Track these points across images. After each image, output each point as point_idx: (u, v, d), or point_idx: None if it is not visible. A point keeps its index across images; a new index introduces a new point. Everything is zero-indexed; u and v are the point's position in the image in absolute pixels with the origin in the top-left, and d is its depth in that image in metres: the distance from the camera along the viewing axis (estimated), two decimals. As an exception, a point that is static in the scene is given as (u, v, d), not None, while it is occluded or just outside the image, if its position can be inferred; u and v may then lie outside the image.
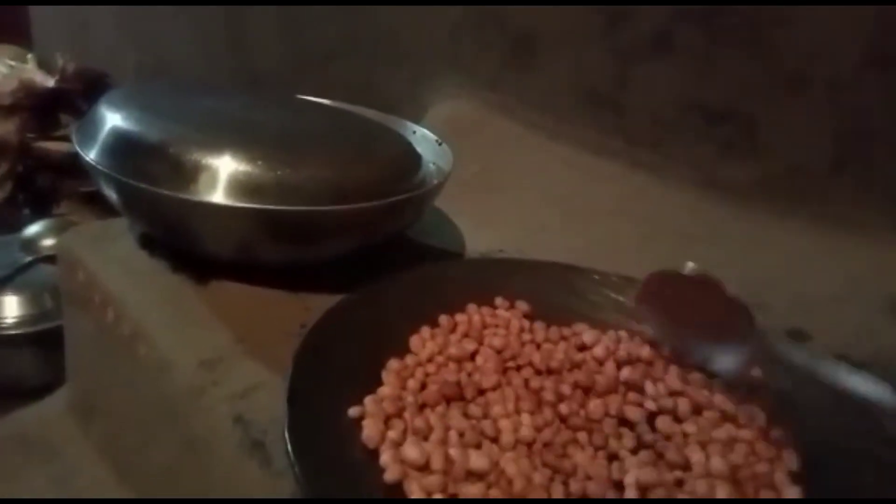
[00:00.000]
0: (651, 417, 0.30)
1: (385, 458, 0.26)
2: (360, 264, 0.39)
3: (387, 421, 0.28)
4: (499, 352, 0.33)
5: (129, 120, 0.39)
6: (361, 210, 0.37)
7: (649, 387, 0.31)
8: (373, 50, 0.68)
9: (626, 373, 0.32)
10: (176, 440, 0.34)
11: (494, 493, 0.25)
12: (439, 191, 0.43)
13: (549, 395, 0.30)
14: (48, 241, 0.64)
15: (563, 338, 0.34)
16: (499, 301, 0.36)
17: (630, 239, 0.47)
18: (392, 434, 0.27)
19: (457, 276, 0.39)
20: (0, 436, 0.46)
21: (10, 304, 0.59)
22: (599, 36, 0.52)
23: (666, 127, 0.50)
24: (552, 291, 0.37)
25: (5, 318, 0.58)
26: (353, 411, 0.28)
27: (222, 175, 0.36)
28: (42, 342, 0.57)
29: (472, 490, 0.25)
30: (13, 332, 0.58)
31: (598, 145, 0.53)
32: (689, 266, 0.33)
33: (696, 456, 0.28)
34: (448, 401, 0.30)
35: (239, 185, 0.36)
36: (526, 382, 0.31)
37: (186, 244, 0.40)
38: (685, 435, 0.29)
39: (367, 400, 0.28)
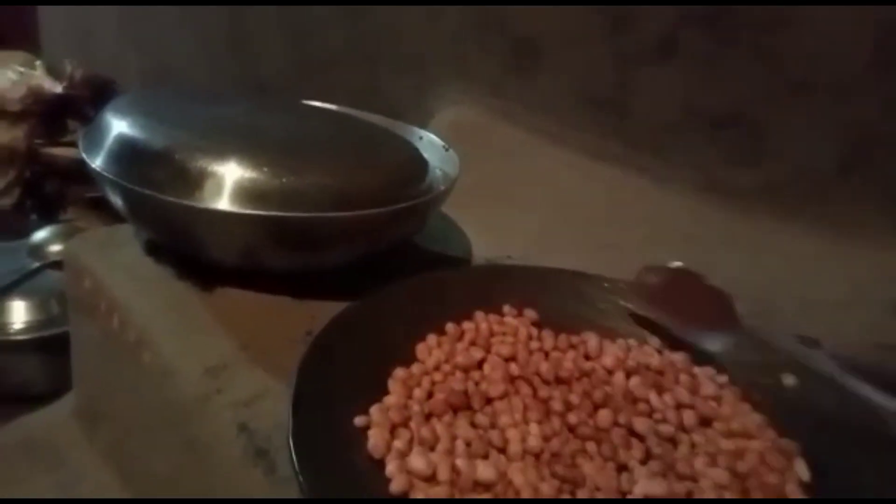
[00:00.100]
0: (660, 428, 0.30)
1: (391, 468, 0.26)
2: (365, 271, 0.39)
3: (393, 430, 0.28)
4: (507, 360, 0.32)
5: (135, 127, 0.39)
6: (367, 217, 0.37)
7: (656, 399, 0.31)
8: (377, 55, 0.68)
9: (634, 382, 0.32)
10: (180, 447, 0.34)
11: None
12: (446, 197, 0.42)
13: (557, 405, 0.30)
14: (55, 247, 0.64)
15: (572, 346, 0.34)
16: (506, 309, 0.36)
17: (634, 244, 0.46)
18: (398, 444, 0.27)
19: (464, 283, 0.38)
20: (6, 442, 0.46)
21: (18, 309, 0.59)
22: (603, 40, 0.52)
23: (670, 131, 0.50)
24: (561, 299, 0.37)
25: (12, 323, 0.58)
26: (358, 420, 0.28)
27: (227, 182, 0.36)
28: (48, 348, 0.57)
29: (479, 501, 0.25)
30: (20, 337, 0.58)
31: (603, 150, 0.53)
32: (675, 264, 0.37)
33: (704, 467, 0.27)
34: (455, 410, 0.29)
35: (244, 192, 0.36)
36: (534, 391, 0.31)
37: (192, 251, 0.39)
38: (693, 445, 0.29)
39: (373, 409, 0.28)
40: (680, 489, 0.26)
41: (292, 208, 0.35)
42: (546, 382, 0.31)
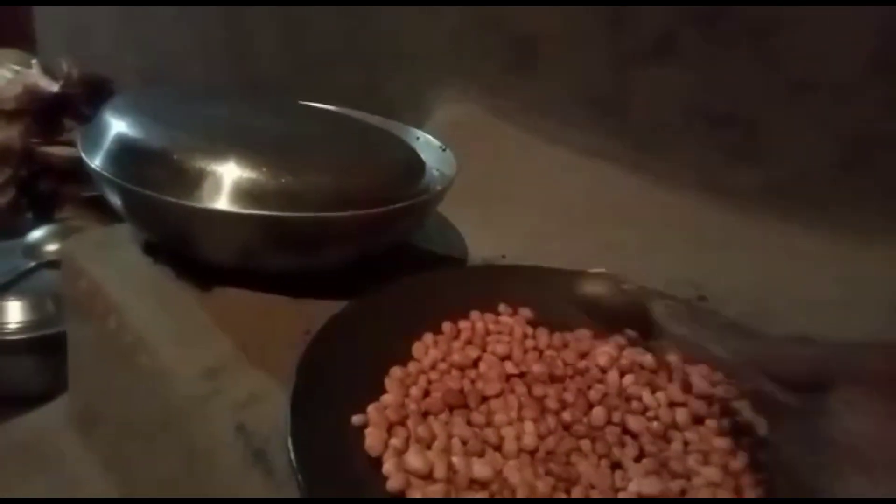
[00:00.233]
0: (653, 426, 0.30)
1: (388, 466, 0.26)
2: (362, 271, 0.39)
3: (390, 429, 0.28)
4: (502, 359, 0.33)
5: (134, 126, 0.39)
6: (365, 217, 0.37)
7: (649, 397, 0.31)
8: (375, 55, 0.68)
9: (628, 380, 0.32)
10: (177, 449, 0.34)
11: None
12: (443, 197, 0.43)
13: (552, 403, 0.30)
14: (51, 247, 0.64)
15: (566, 345, 0.34)
16: (502, 308, 0.36)
17: (633, 244, 0.47)
18: (395, 442, 0.27)
19: (460, 282, 0.39)
20: (0, 443, 0.45)
21: (13, 309, 0.59)
22: (602, 40, 0.52)
23: (669, 132, 0.50)
24: (555, 298, 0.37)
25: (8, 323, 0.58)
26: (356, 419, 0.28)
27: (225, 182, 0.36)
28: (44, 348, 0.57)
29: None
30: (15, 337, 0.58)
31: (601, 150, 0.53)
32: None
33: (698, 465, 0.27)
34: (451, 408, 0.30)
35: (242, 192, 0.36)
36: (529, 390, 0.31)
37: (189, 251, 0.40)
38: (686, 443, 0.29)
39: (370, 408, 0.28)
40: (673, 487, 0.26)
41: (290, 208, 0.36)
42: (541, 381, 0.32)
